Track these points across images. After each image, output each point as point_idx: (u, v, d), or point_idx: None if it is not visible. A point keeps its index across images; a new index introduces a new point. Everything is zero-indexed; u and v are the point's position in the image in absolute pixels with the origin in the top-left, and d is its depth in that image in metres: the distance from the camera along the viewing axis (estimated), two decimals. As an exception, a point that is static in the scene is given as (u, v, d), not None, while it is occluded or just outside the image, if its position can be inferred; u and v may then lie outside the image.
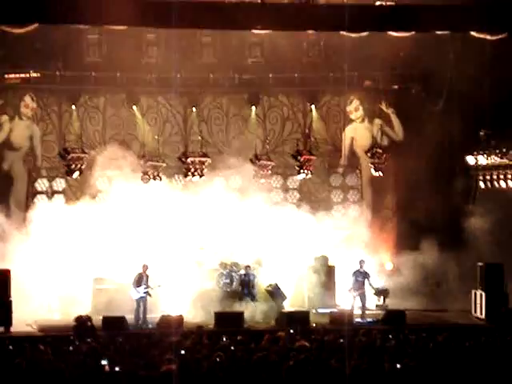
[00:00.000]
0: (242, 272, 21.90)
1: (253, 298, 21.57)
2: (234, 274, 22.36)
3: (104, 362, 11.76)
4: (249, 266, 21.95)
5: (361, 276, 21.18)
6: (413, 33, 20.05)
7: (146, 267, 20.75)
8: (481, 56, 20.92)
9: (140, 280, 20.65)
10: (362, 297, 21.17)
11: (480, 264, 21.86)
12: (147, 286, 20.63)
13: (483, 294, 21.41)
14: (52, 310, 21.17)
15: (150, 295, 20.64)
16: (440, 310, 22.10)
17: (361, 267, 21.23)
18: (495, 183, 22.81)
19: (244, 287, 21.73)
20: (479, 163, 22.86)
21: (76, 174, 22.49)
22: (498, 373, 11.36)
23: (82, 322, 19.13)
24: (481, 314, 21.34)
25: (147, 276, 20.71)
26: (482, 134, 22.42)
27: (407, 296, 22.22)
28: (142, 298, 20.59)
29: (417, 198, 23.10)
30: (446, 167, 23.53)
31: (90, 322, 19.30)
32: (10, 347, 14.23)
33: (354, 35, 20.72)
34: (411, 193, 23.31)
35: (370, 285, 21.33)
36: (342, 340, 14.66)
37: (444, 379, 10.93)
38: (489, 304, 21.15)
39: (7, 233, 22.65)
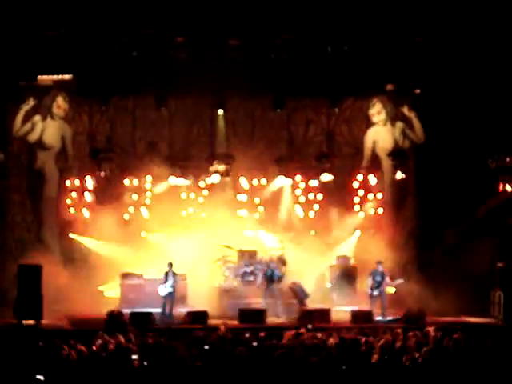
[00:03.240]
0: (265, 267, 22.19)
1: (273, 295, 21.86)
2: (257, 270, 22.83)
3: (134, 357, 12.05)
4: (272, 262, 22.26)
5: (379, 276, 21.55)
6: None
7: (171, 265, 21.34)
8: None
9: (166, 277, 21.27)
10: (382, 296, 21.52)
11: (499, 264, 22.18)
12: (174, 283, 21.23)
13: (502, 294, 21.69)
14: (83, 305, 21.62)
15: (175, 291, 21.19)
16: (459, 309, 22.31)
17: (379, 267, 21.58)
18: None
19: (268, 283, 22.03)
20: (501, 166, 23.10)
21: (106, 173, 23.03)
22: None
23: (114, 316, 19.66)
24: (499, 314, 21.65)
25: (173, 273, 21.31)
26: (492, 164, 22.74)
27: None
28: (169, 293, 21.20)
29: (438, 200, 23.38)
30: (468, 170, 23.66)
31: (122, 316, 19.87)
32: (40, 341, 14.47)
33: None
34: (433, 195, 23.58)
35: (388, 284, 21.66)
36: (362, 337, 15.03)
37: (461, 378, 11.14)
38: (507, 305, 21.43)
39: (40, 230, 23.37)
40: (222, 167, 23.33)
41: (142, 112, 24.24)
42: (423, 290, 22.01)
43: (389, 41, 21.90)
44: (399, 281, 21.76)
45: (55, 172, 24.04)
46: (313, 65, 22.45)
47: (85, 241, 23.34)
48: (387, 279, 21.48)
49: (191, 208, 23.92)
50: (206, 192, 23.97)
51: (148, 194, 23.83)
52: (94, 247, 23.21)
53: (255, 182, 24.14)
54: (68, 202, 23.60)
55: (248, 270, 22.95)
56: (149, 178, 23.70)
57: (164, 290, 21.15)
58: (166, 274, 21.23)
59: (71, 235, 23.37)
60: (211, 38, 21.96)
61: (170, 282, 21.15)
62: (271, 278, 21.95)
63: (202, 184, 23.94)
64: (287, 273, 22.86)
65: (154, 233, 23.62)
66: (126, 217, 23.66)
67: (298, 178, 24.23)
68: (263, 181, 24.15)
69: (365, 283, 21.87)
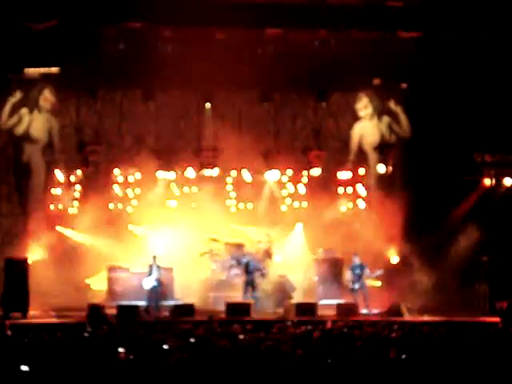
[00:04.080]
0: (245, 260, 22.19)
1: (254, 288, 21.88)
2: (243, 264, 22.89)
3: (121, 350, 12.02)
4: (251, 254, 22.29)
5: (357, 268, 21.54)
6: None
7: (155, 258, 21.35)
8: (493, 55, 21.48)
9: (150, 270, 21.29)
10: (364, 289, 21.54)
11: (484, 258, 22.36)
12: (158, 276, 21.23)
13: (487, 287, 21.86)
14: (68, 297, 21.64)
15: (161, 284, 21.24)
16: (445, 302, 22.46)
17: (355, 260, 21.57)
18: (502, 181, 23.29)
19: (246, 274, 22.00)
20: (486, 160, 23.26)
21: (93, 166, 23.05)
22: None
23: (95, 309, 19.74)
24: (484, 307, 21.81)
25: (158, 266, 21.31)
26: (478, 158, 22.89)
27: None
28: (153, 287, 21.22)
29: (424, 194, 23.50)
30: (454, 164, 23.78)
31: (103, 310, 19.95)
32: (28, 334, 14.42)
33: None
34: (418, 189, 23.70)
35: (368, 275, 21.65)
36: (347, 330, 15.15)
37: (447, 371, 11.00)
38: (492, 298, 21.59)
39: (26, 223, 23.36)
40: (208, 160, 23.34)
41: (129, 105, 24.22)
42: (408, 283, 22.13)
43: (375, 35, 21.98)
44: (379, 272, 21.81)
45: (42, 165, 23.99)
46: (300, 59, 22.48)
47: (72, 234, 23.34)
48: (367, 271, 21.53)
49: (178, 201, 23.94)
50: (192, 185, 23.98)
51: (135, 187, 23.81)
52: (81, 240, 23.22)
53: (242, 175, 24.17)
54: (55, 194, 23.56)
55: (235, 262, 22.99)
56: (135, 171, 23.67)
57: (148, 283, 21.19)
58: (151, 266, 21.27)
59: (58, 228, 23.34)
60: (198, 32, 22.00)
61: (155, 275, 21.19)
62: (247, 269, 21.93)
63: (188, 177, 23.93)
64: (274, 266, 23.00)
65: (141, 226, 23.64)
66: (113, 210, 23.66)
67: (285, 171, 24.26)
68: (250, 174, 24.18)
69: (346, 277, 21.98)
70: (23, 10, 20.59)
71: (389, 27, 21.70)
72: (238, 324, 16.34)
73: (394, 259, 23.90)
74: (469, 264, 22.77)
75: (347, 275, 21.65)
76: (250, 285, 21.87)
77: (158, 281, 21.26)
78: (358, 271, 21.48)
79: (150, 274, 21.24)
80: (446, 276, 22.93)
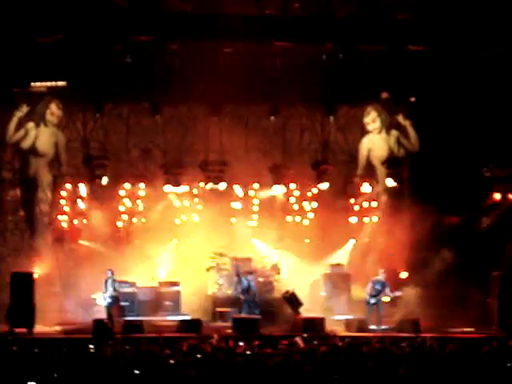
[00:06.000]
0: (243, 279, 22.04)
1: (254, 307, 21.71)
2: (250, 280, 22.76)
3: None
4: (250, 273, 22.17)
5: (379, 284, 21.50)
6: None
7: (111, 272, 20.95)
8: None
9: (106, 285, 20.82)
10: (379, 305, 21.44)
11: (495, 273, 22.19)
12: (114, 292, 20.78)
13: (496, 303, 21.68)
14: (74, 313, 21.54)
15: (117, 301, 20.82)
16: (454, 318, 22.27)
17: (380, 275, 21.54)
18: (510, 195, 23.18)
19: (245, 295, 21.89)
20: (495, 174, 23.16)
21: (104, 181, 22.96)
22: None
23: (101, 325, 19.62)
24: (494, 323, 21.62)
25: (113, 280, 20.89)
26: (486, 173, 22.80)
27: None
28: (109, 303, 20.76)
29: (433, 209, 23.35)
30: (462, 178, 23.66)
31: (108, 325, 19.80)
32: (34, 349, 14.44)
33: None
34: (428, 203, 23.54)
35: (387, 294, 21.61)
36: (355, 346, 15.02)
37: None
38: (502, 314, 21.43)
39: (33, 237, 23.29)
40: (215, 174, 23.24)
41: (136, 119, 24.19)
42: (418, 298, 21.98)
43: (384, 49, 21.93)
44: (398, 293, 21.74)
45: (48, 179, 23.96)
46: (308, 72, 22.46)
47: (78, 248, 23.21)
48: (387, 290, 21.43)
49: (185, 215, 23.83)
50: (199, 199, 23.87)
51: (142, 201, 23.72)
52: (87, 254, 23.09)
53: (249, 189, 24.06)
54: (61, 208, 23.46)
55: (237, 280, 22.78)
56: (142, 185, 23.59)
57: (103, 300, 20.79)
58: (106, 282, 20.85)
59: (64, 243, 23.23)
60: (206, 45, 21.99)
61: (110, 291, 20.79)
62: (247, 291, 21.83)
63: (195, 191, 23.84)
64: (281, 281, 22.86)
65: (148, 240, 23.52)
66: (120, 224, 23.57)
67: (293, 185, 24.16)
68: (257, 188, 24.07)
69: (361, 291, 21.84)
70: (30, 24, 20.61)
71: (397, 40, 21.62)
72: (245, 339, 16.24)
73: (403, 274, 23.74)
74: (480, 279, 22.56)
75: (368, 288, 21.51)
76: (249, 303, 21.71)
77: (113, 298, 20.81)
78: (378, 287, 21.40)
79: (105, 290, 20.78)
80: (457, 291, 22.78)
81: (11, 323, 20.25)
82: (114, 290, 20.84)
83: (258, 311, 21.56)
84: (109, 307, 20.72)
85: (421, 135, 24.64)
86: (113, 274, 20.99)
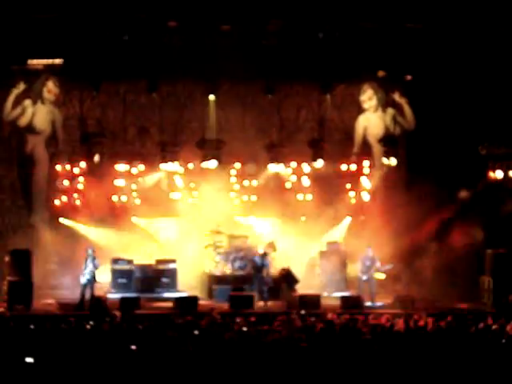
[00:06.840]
0: (256, 258, 22.20)
1: (263, 287, 21.74)
2: (247, 258, 22.88)
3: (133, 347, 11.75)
4: (265, 254, 22.20)
5: (368, 260, 21.60)
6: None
7: (91, 250, 20.86)
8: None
9: (86, 263, 20.68)
10: (370, 281, 21.58)
11: (488, 251, 22.30)
12: (93, 270, 20.67)
13: (491, 280, 21.80)
14: (72, 289, 21.63)
15: (95, 280, 20.73)
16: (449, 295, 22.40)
17: (368, 252, 21.64)
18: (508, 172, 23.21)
19: (257, 272, 22.02)
20: (491, 153, 23.19)
21: (96, 158, 23.00)
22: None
23: (97, 301, 19.74)
24: (488, 300, 21.76)
25: (93, 258, 20.78)
26: (482, 150, 22.83)
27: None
28: (88, 281, 20.64)
29: (428, 186, 23.41)
30: (458, 156, 23.70)
31: (104, 302, 19.92)
32: (31, 326, 14.46)
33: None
34: (423, 182, 23.61)
35: (378, 268, 21.74)
36: (351, 323, 15.14)
37: (452, 363, 11.18)
38: (496, 292, 21.55)
39: (30, 215, 23.35)
40: (212, 152, 23.27)
41: (133, 97, 24.18)
42: (413, 275, 22.11)
43: (380, 27, 21.91)
44: (388, 266, 21.83)
45: (45, 156, 23.97)
46: (304, 51, 22.43)
47: (75, 226, 23.30)
48: (377, 264, 21.56)
49: (182, 193, 23.90)
50: (196, 177, 23.92)
51: (138, 179, 23.77)
52: (85, 232, 23.19)
53: (246, 167, 24.11)
54: (58, 186, 23.50)
55: (239, 255, 22.98)
56: (139, 164, 23.63)
57: (82, 277, 20.65)
58: (86, 260, 20.73)
59: (61, 220, 23.31)
60: (203, 24, 21.93)
61: (89, 268, 20.69)
62: (261, 268, 21.87)
63: (192, 169, 23.87)
64: (277, 258, 22.97)
65: (145, 218, 23.61)
66: (117, 202, 23.62)
67: (289, 163, 24.18)
68: (254, 166, 24.11)
69: (354, 269, 21.96)
70: (26, 1, 20.55)
71: (393, 18, 21.61)
72: (241, 316, 16.34)
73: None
74: (473, 257, 22.69)
75: (358, 265, 21.65)
76: (260, 279, 21.78)
77: (93, 273, 20.63)
78: (368, 263, 21.54)
79: (85, 267, 20.63)
80: (451, 268, 22.90)
81: (10, 300, 20.33)
82: (94, 267, 20.76)
83: (266, 288, 21.64)
84: (85, 284, 20.55)
85: (417, 113, 24.67)
86: (94, 251, 20.87)
